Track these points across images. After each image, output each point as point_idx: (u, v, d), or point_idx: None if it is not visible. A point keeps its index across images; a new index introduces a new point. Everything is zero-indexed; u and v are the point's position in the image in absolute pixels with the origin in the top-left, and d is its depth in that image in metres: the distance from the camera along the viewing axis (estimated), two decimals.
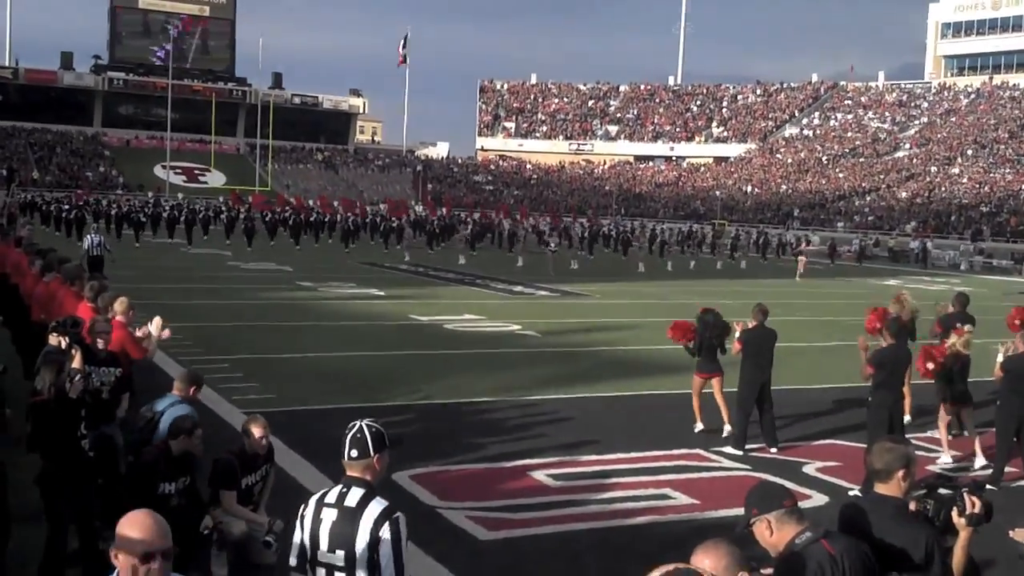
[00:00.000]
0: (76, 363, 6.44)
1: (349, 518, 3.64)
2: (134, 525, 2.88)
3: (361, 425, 3.76)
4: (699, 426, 10.85)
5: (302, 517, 3.78)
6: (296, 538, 3.78)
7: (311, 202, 61.39)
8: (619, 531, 7.54)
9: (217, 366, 13.24)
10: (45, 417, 6.16)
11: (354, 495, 3.68)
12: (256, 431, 6.35)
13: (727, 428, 10.64)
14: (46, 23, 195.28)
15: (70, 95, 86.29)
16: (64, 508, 6.02)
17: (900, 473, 3.81)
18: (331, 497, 3.73)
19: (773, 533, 3.42)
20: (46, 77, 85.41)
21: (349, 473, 3.74)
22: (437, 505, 7.88)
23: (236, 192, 67.24)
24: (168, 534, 2.91)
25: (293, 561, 3.79)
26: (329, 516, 3.68)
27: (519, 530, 7.46)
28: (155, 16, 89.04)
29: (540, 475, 8.83)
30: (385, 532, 3.60)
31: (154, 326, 8.26)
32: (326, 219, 50.66)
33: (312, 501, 3.78)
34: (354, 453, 3.72)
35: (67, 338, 6.74)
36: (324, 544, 3.67)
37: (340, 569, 3.64)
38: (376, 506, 3.65)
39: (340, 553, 3.63)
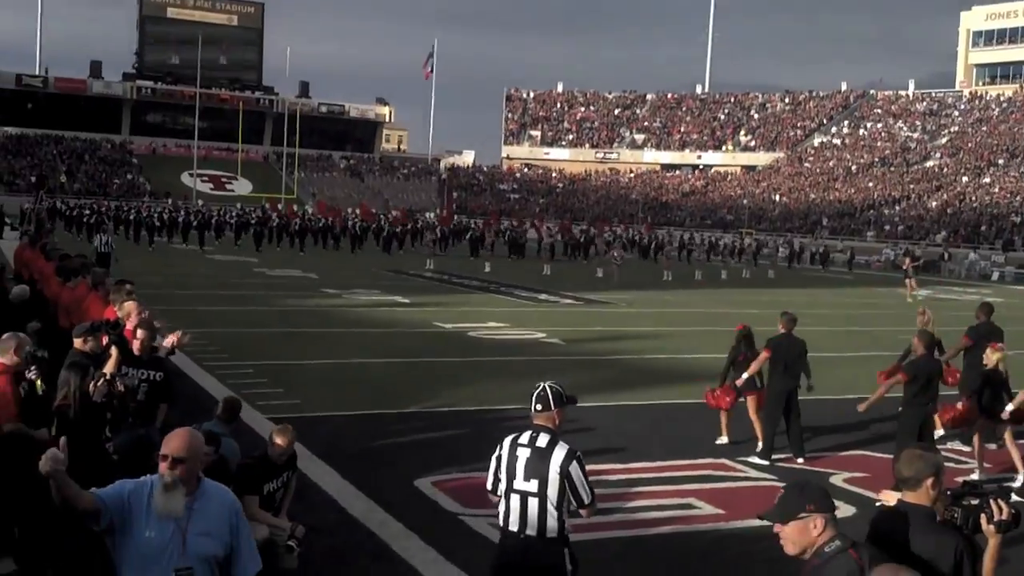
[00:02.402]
0: (110, 365, 6.41)
1: (541, 456, 4.54)
2: None
3: (545, 386, 4.69)
4: (723, 439, 10.70)
5: (499, 456, 4.68)
6: (492, 470, 4.72)
7: (354, 210, 60.62)
8: (643, 541, 7.45)
9: (242, 371, 13.29)
10: (69, 421, 6.17)
11: (543, 439, 4.59)
12: (280, 440, 6.35)
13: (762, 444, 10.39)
14: (76, 33, 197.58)
15: (99, 103, 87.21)
16: None
17: (929, 481, 3.75)
18: (524, 439, 4.63)
19: (822, 533, 3.36)
20: (75, 86, 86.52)
21: (536, 422, 4.64)
22: (460, 512, 7.83)
23: (273, 200, 67.61)
24: None
25: (490, 486, 4.75)
26: (524, 454, 4.58)
27: None
28: (184, 25, 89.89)
29: None
30: (573, 466, 4.52)
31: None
32: (332, 225, 50.28)
33: (507, 442, 4.67)
34: (539, 407, 4.65)
35: (108, 338, 6.69)
36: (520, 475, 4.56)
37: (533, 495, 4.53)
38: (561, 448, 4.55)
39: (534, 482, 4.53)
